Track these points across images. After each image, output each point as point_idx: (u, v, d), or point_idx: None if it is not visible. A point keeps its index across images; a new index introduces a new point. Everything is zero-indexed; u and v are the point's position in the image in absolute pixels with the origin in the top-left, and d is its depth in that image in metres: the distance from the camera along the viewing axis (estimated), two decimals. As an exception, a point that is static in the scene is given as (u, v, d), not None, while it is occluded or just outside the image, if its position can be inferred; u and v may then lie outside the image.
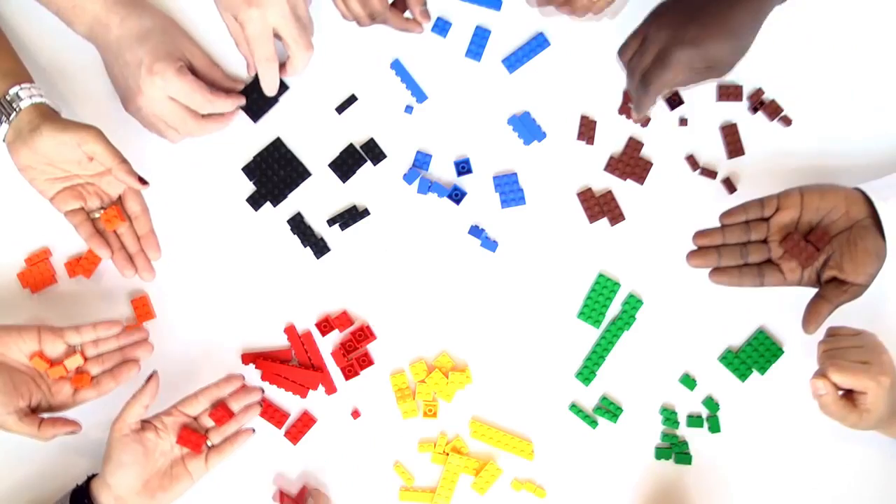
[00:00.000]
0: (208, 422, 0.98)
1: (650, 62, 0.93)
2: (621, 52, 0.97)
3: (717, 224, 0.99)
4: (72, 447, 1.01)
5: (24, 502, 1.01)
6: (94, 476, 0.96)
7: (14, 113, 0.94)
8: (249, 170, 1.05)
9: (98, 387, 0.97)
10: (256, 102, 1.05)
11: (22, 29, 1.05)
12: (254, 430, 1.00)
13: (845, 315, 0.99)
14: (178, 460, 0.97)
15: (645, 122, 1.05)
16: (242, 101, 1.03)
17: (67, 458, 1.01)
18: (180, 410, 0.98)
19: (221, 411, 0.98)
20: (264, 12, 0.96)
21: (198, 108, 0.99)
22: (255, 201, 1.05)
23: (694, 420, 1.03)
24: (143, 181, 0.97)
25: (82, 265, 1.03)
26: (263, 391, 1.02)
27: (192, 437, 0.96)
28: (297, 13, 0.98)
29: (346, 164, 1.05)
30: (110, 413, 0.96)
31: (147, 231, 1.00)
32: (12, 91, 0.95)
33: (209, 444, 0.98)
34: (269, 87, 1.01)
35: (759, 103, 1.04)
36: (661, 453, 1.03)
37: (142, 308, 1.03)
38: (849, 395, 0.92)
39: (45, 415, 0.96)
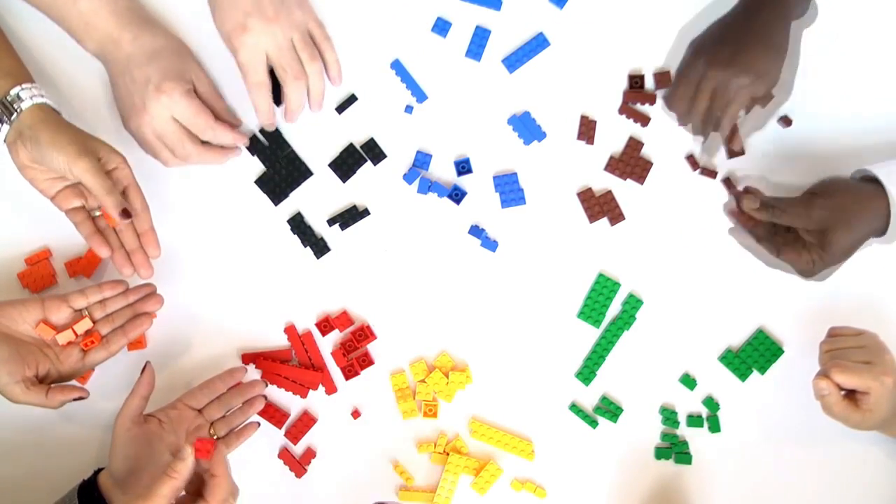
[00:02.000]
0: (212, 414, 0.99)
1: (707, 98, 0.96)
2: (671, 102, 0.99)
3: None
4: (78, 442, 1.02)
5: (32, 498, 1.01)
6: (100, 470, 0.96)
7: (15, 114, 0.94)
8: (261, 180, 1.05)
9: (107, 346, 0.97)
10: (279, 186, 1.05)
11: (21, 28, 1.05)
12: (259, 425, 1.00)
13: (847, 315, 0.99)
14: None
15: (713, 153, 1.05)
16: (245, 140, 1.03)
17: (73, 454, 1.02)
18: (185, 404, 0.98)
19: (202, 443, 0.90)
20: (257, 39, 0.97)
21: (199, 132, 0.99)
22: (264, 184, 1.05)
23: (694, 420, 1.03)
24: (125, 214, 0.95)
25: (82, 265, 1.03)
26: (267, 383, 1.02)
27: (205, 445, 0.95)
28: (298, 42, 0.99)
29: (346, 164, 1.05)
30: (115, 407, 0.97)
31: (147, 228, 1.00)
32: (13, 91, 0.95)
33: (215, 436, 0.98)
34: (266, 124, 1.02)
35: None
36: (661, 453, 1.03)
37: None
38: (851, 395, 0.93)
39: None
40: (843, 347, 0.94)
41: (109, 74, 1.01)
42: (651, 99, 1.05)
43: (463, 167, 1.05)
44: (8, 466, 1.02)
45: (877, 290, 1.03)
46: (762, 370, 1.03)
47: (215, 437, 0.99)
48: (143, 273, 0.99)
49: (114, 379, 1.02)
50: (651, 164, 1.05)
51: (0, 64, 0.97)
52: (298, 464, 1.03)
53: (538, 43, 1.06)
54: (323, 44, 1.02)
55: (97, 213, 0.99)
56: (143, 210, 1.00)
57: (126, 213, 0.95)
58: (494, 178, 1.05)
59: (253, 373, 1.03)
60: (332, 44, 1.03)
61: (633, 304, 1.03)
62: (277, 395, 1.03)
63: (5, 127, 0.95)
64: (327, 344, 1.04)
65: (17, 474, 1.02)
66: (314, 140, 1.06)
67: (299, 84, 1.01)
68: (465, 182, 1.05)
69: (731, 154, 1.03)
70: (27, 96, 0.95)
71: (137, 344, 1.02)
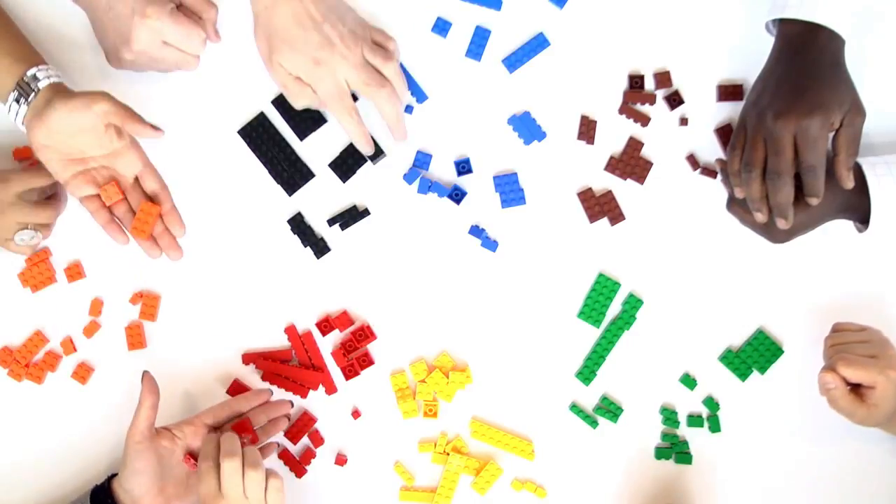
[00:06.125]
0: None
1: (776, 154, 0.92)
2: (749, 168, 0.93)
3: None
4: (92, 449, 1.02)
5: (46, 502, 1.02)
6: (114, 476, 0.96)
7: (33, 94, 0.95)
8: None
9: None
10: (301, 124, 1.05)
11: (21, 11, 1.05)
12: (278, 445, 1.00)
13: (847, 315, 0.99)
14: (194, 471, 0.96)
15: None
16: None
17: (80, 460, 1.02)
18: (202, 421, 0.97)
19: (245, 425, 0.97)
20: (333, 70, 0.97)
21: (193, 50, 0.99)
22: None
23: (694, 420, 1.03)
24: (155, 129, 0.96)
25: (79, 271, 1.03)
26: (293, 404, 1.02)
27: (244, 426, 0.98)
28: (368, 53, 0.98)
29: (346, 164, 1.05)
30: (122, 406, 0.98)
31: (169, 208, 1.00)
32: (30, 73, 0.95)
33: None
34: (364, 146, 1.02)
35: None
36: (661, 453, 1.03)
37: (147, 308, 1.03)
38: (856, 389, 0.92)
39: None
40: (848, 342, 0.94)
41: (91, 18, 1.00)
42: (651, 99, 1.05)
43: (463, 167, 1.05)
44: (17, 475, 1.03)
45: (877, 290, 1.03)
46: (762, 370, 1.03)
47: None
48: (173, 255, 1.00)
49: (116, 384, 1.02)
50: (651, 164, 1.05)
51: (14, 48, 0.98)
52: (298, 464, 1.03)
53: (538, 43, 1.06)
54: (388, 44, 1.02)
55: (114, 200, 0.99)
56: (163, 189, 1.00)
57: (156, 128, 0.95)
58: (494, 178, 1.05)
59: (254, 373, 1.03)
60: (392, 38, 1.02)
61: (633, 304, 1.03)
62: (277, 395, 1.03)
63: (23, 108, 0.95)
64: (327, 344, 1.04)
65: (33, 477, 1.02)
66: (314, 140, 1.06)
67: (386, 92, 1.00)
68: (465, 182, 1.05)
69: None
70: (43, 76, 0.96)
71: (137, 344, 1.03)
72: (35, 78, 0.95)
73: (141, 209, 0.98)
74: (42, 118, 0.93)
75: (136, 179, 1.00)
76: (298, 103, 1.01)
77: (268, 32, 0.98)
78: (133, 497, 0.94)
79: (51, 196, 1.01)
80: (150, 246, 0.99)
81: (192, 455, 0.96)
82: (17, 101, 0.95)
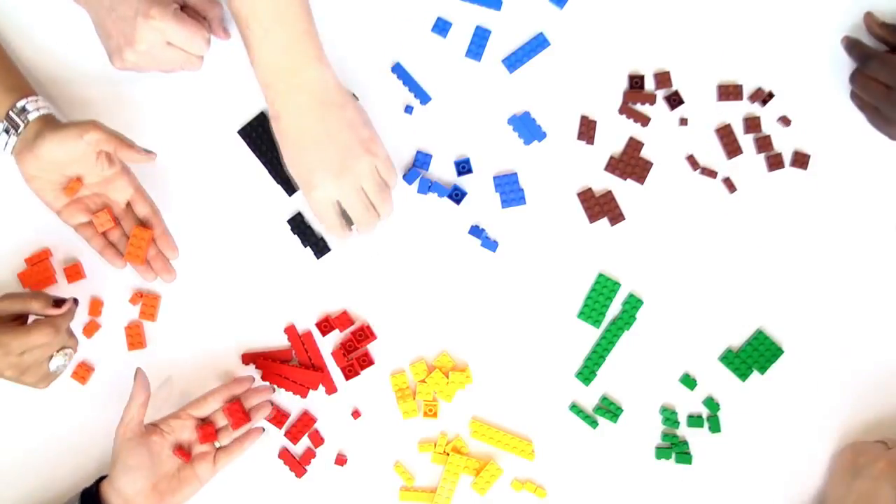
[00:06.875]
0: (217, 422, 0.99)
1: None
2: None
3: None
4: (81, 450, 1.02)
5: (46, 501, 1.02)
6: (104, 478, 0.96)
7: (22, 126, 0.95)
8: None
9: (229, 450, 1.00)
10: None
11: (15, 44, 1.05)
12: (263, 430, 1.00)
13: (847, 315, 0.99)
14: (186, 463, 0.97)
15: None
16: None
17: (77, 461, 1.02)
18: (189, 413, 0.98)
19: (236, 407, 0.98)
20: (326, 193, 0.95)
21: (197, 51, 0.98)
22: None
23: (694, 420, 1.03)
24: (148, 153, 0.96)
25: (79, 271, 1.03)
26: (274, 389, 1.02)
27: (208, 430, 0.98)
28: (370, 189, 0.96)
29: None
30: (117, 411, 0.97)
31: (161, 231, 1.00)
32: (19, 104, 0.95)
33: (217, 444, 0.98)
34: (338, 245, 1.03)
35: (760, 102, 1.05)
36: (661, 453, 1.03)
37: (147, 308, 1.03)
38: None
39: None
40: None
41: (94, 18, 1.00)
42: (651, 99, 1.05)
43: (463, 167, 1.05)
44: (13, 474, 1.02)
45: (877, 290, 1.03)
46: (762, 370, 1.03)
47: (218, 445, 0.99)
48: (167, 278, 1.00)
49: (116, 384, 1.02)
50: (651, 164, 1.05)
51: (3, 78, 0.97)
52: (298, 464, 1.03)
53: (538, 43, 1.06)
54: (390, 179, 0.98)
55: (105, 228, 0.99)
56: (155, 214, 1.00)
57: (149, 152, 0.96)
58: (494, 178, 1.05)
59: (253, 373, 1.03)
60: (395, 174, 0.99)
61: (633, 304, 1.03)
62: (277, 395, 1.03)
63: (13, 139, 0.95)
64: (327, 344, 1.04)
65: (22, 479, 1.02)
66: (314, 140, 1.06)
67: (372, 224, 0.99)
68: (465, 182, 1.05)
69: None
70: (33, 108, 0.96)
71: (137, 344, 1.03)
72: (24, 110, 0.95)
73: (133, 234, 0.99)
74: (32, 150, 0.93)
75: (129, 204, 1.00)
76: (339, 234, 1.00)
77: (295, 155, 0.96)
78: (125, 496, 0.94)
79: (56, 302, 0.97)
80: (145, 270, 1.00)
81: (182, 448, 0.96)
82: (7, 132, 0.95)
